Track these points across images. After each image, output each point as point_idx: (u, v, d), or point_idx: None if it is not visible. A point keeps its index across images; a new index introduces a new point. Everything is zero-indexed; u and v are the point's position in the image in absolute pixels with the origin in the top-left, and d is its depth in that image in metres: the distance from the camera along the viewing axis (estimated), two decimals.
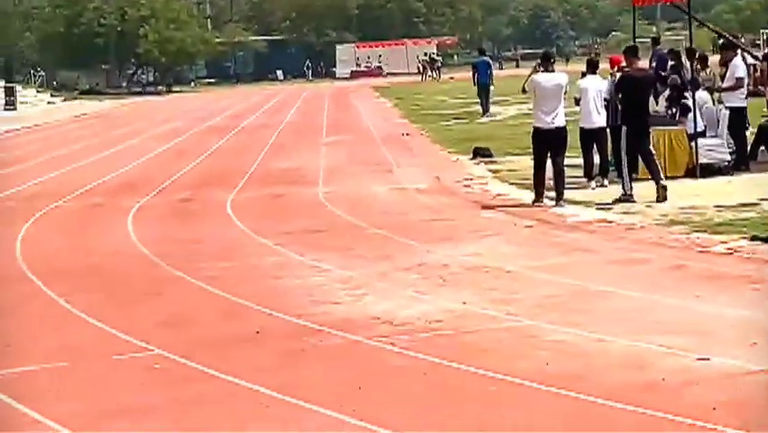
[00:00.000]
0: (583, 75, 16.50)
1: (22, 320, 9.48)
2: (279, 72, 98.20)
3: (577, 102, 16.33)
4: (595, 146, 16.23)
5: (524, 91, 15.39)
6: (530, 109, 33.34)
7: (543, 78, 14.87)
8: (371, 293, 9.79)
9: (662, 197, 14.14)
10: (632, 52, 15.53)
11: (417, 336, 8.12)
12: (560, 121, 14.72)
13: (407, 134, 28.66)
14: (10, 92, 64.56)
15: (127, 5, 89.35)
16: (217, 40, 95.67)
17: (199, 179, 20.52)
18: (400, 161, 21.98)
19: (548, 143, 14.75)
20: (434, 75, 78.36)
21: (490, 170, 19.21)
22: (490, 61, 37.56)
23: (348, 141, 27.91)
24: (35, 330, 9.03)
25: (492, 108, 34.85)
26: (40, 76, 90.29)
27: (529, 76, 15.17)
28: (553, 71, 14.96)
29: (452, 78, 74.94)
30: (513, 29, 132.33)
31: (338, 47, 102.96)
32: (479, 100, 35.16)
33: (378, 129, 31.59)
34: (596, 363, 7.23)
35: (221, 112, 47.62)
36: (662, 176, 14.48)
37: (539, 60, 15.38)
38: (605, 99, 16.04)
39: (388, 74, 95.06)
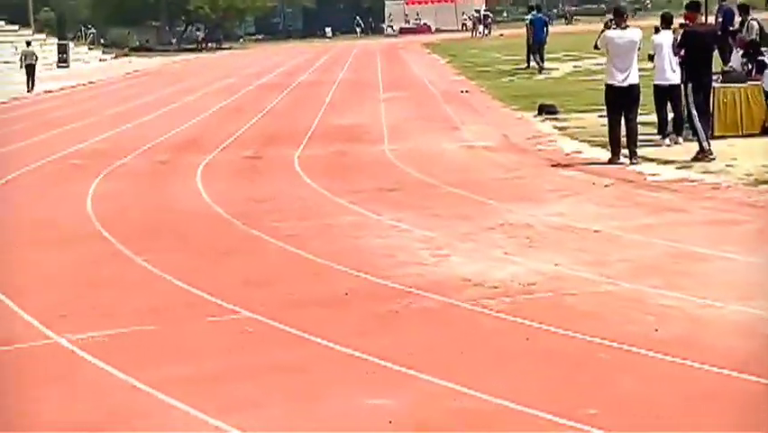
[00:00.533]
0: (656, 30, 16.06)
1: (105, 280, 9.32)
2: (328, 29, 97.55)
3: (651, 58, 15.90)
4: (669, 104, 15.82)
5: (596, 47, 15.04)
6: (586, 66, 33.65)
7: (616, 34, 14.51)
8: (456, 254, 9.56)
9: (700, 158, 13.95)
10: (694, 7, 15.26)
11: (513, 299, 7.88)
12: (633, 78, 14.38)
13: (467, 91, 28.30)
14: (63, 49, 64.66)
15: None
16: None
17: (262, 137, 20.33)
18: (464, 118, 21.65)
19: (621, 101, 14.43)
20: (485, 31, 77.60)
21: (557, 128, 18.86)
22: (546, 18, 37.04)
23: (407, 97, 27.58)
24: (119, 291, 8.87)
25: (547, 65, 34.39)
26: (90, 33, 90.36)
27: (602, 32, 14.84)
28: (626, 27, 14.58)
29: (501, 34, 74.15)
30: None
31: (387, 3, 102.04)
32: (530, 57, 34.79)
33: (435, 86, 31.23)
34: (706, 329, 6.96)
35: (273, 69, 47.36)
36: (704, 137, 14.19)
37: (611, 16, 14.99)
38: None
39: (436, 30, 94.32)
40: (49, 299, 8.68)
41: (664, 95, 15.64)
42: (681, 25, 15.75)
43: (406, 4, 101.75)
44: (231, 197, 13.52)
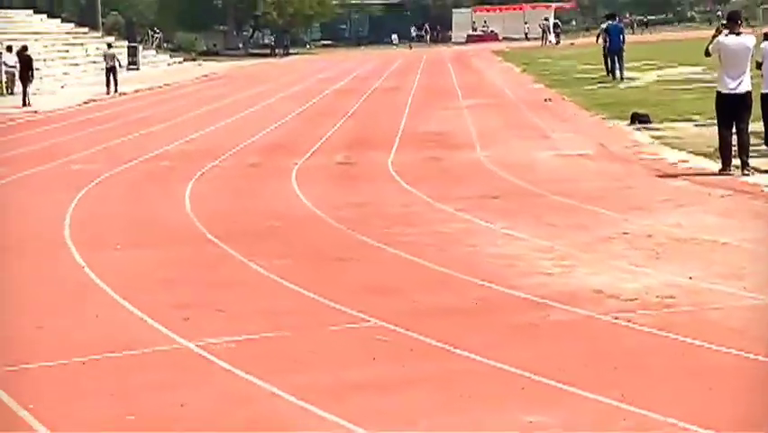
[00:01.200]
0: (766, 37, 15.60)
1: (222, 284, 9.09)
2: (395, 36, 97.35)
3: (759, 66, 15.42)
4: None
5: (707, 54, 14.56)
6: (669, 76, 33.22)
7: (729, 40, 14.08)
8: (581, 264, 9.21)
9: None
10: None
11: (655, 313, 7.52)
12: (745, 86, 13.96)
13: (550, 100, 27.91)
14: (133, 52, 65.07)
15: None
16: (334, 2, 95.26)
17: (350, 141, 20.13)
18: (553, 126, 21.29)
19: (732, 109, 14.00)
20: (555, 40, 77.15)
21: (654, 137, 18.43)
22: (622, 26, 36.64)
23: (489, 105, 27.27)
24: (239, 295, 8.63)
25: (627, 74, 33.95)
26: (157, 36, 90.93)
27: (714, 38, 14.36)
28: (739, 33, 14.15)
29: (572, 43, 73.76)
30: None
31: (455, 11, 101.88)
32: (605, 66, 34.45)
33: (515, 93, 30.89)
34: None
35: (346, 74, 47.26)
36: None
37: (723, 22, 14.56)
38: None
39: (504, 39, 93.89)
40: (168, 301, 8.45)
41: None
42: None
43: (474, 11, 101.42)
44: (330, 201, 13.27)
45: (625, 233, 10.43)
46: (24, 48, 36.95)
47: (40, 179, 16.91)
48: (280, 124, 24.26)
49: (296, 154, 18.19)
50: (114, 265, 9.94)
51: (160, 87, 43.45)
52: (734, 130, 14.03)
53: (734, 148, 14.07)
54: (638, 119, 20.54)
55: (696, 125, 19.50)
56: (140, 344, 7.30)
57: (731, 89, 13.87)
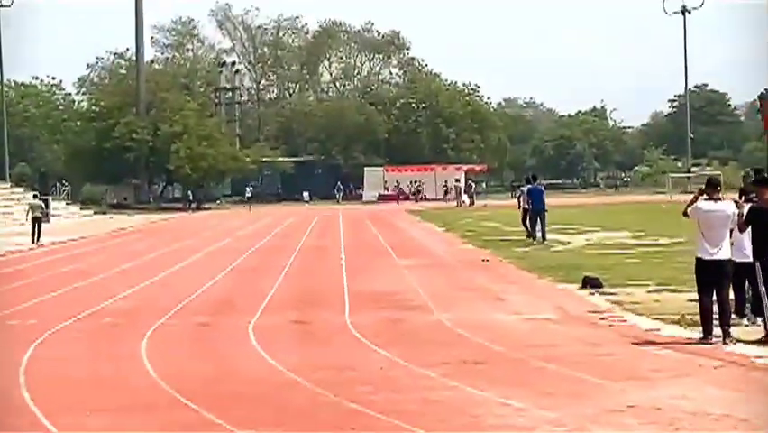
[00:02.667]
0: (736, 203, 15.42)
1: None
2: (306, 193, 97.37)
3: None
4: (747, 281, 15.07)
5: (685, 215, 14.30)
6: (599, 240, 33.31)
7: (708, 206, 13.87)
8: None
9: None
10: (764, 182, 14.31)
11: None
12: (725, 253, 13.72)
13: (487, 260, 27.61)
14: (44, 204, 63.91)
15: (159, 121, 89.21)
16: (247, 158, 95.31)
17: (296, 300, 19.49)
18: (502, 288, 20.88)
19: (712, 276, 13.71)
20: (468, 201, 77.85)
21: (612, 302, 18.07)
22: (542, 188, 36.96)
23: (426, 265, 26.85)
24: None
25: (551, 236, 34.10)
26: (65, 189, 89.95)
27: (692, 202, 14.14)
28: (718, 199, 13.96)
29: (485, 204, 74.44)
30: (537, 158, 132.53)
31: (366, 169, 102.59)
32: (526, 228, 34.57)
33: (448, 254, 30.60)
34: None
35: (267, 231, 46.79)
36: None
37: (702, 187, 14.38)
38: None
39: (416, 198, 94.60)
40: None
41: (744, 272, 14.87)
42: (747, 199, 15.10)
43: (386, 170, 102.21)
44: (300, 363, 12.60)
45: (630, 405, 9.90)
46: None
47: None
48: (217, 281, 23.52)
49: (245, 313, 17.50)
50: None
51: (75, 240, 42.40)
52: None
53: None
54: (589, 283, 20.25)
55: (648, 291, 19.23)
56: None
57: (711, 255, 13.61)
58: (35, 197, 45.71)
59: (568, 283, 21.07)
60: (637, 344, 13.75)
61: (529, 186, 36.53)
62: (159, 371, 12.23)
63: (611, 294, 19.13)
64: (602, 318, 16.19)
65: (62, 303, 19.81)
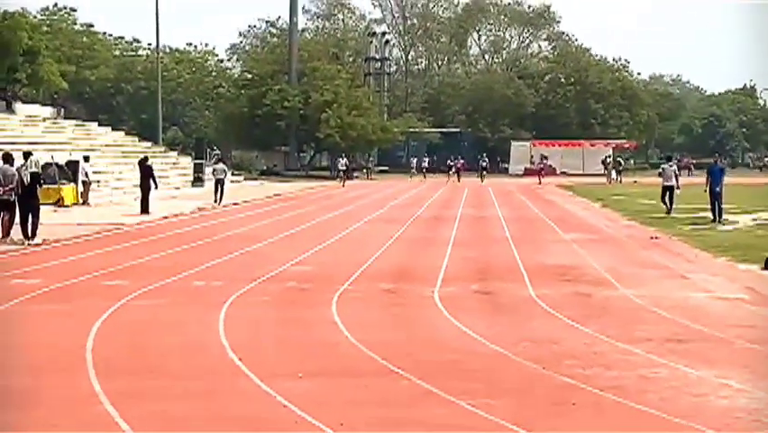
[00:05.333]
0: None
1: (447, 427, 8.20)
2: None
3: None
4: None
5: None
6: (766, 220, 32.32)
7: None
8: None
9: None
10: None
11: None
12: None
13: (657, 237, 27.01)
14: (199, 168, 65.11)
15: (310, 89, 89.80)
16: (395, 129, 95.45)
17: (475, 271, 19.30)
18: (682, 266, 20.33)
19: None
20: (617, 177, 76.65)
21: None
22: (723, 167, 36.13)
23: (594, 240, 26.41)
24: None
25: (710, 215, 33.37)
26: (215, 154, 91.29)
27: None
28: None
29: (635, 181, 73.15)
30: (685, 136, 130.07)
31: (513, 143, 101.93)
32: (710, 207, 33.67)
33: (614, 230, 30.06)
34: None
35: (421, 201, 46.82)
36: None
37: None
38: None
39: (561, 173, 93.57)
40: None
41: None
42: None
43: (533, 145, 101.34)
44: (501, 335, 12.39)
45: None
46: (145, 158, 38.40)
47: (167, 292, 16.15)
48: (387, 248, 23.52)
49: (425, 281, 17.45)
50: (310, 397, 9.07)
51: (237, 204, 42.99)
52: None
53: None
54: None
55: None
56: None
57: None
58: (217, 161, 48.40)
59: (749, 264, 20.43)
60: None
61: (713, 166, 35.59)
62: (358, 337, 12.15)
63: None
64: None
65: (240, 265, 19.97)
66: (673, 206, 36.03)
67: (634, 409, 8.85)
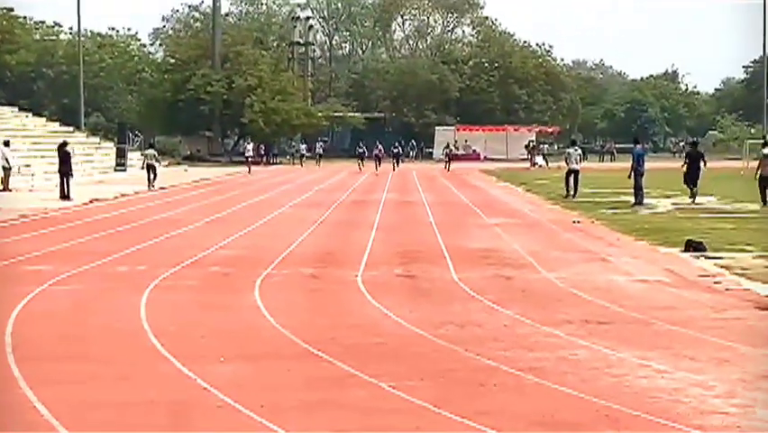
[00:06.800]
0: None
1: (367, 410, 8.20)
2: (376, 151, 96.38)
3: None
4: None
5: None
6: (686, 204, 32.78)
7: None
8: (758, 405, 8.39)
9: None
10: None
11: None
12: None
13: (578, 221, 27.27)
14: (121, 153, 64.57)
15: (234, 74, 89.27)
16: (319, 114, 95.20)
17: (397, 254, 19.35)
18: (603, 249, 20.56)
19: None
20: (542, 162, 77.21)
21: (720, 266, 17.71)
22: (643, 151, 36.73)
23: (518, 225, 26.58)
24: (398, 424, 7.74)
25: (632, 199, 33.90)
26: (137, 139, 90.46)
27: None
28: None
29: (559, 166, 73.67)
30: (608, 121, 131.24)
31: (437, 129, 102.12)
32: (634, 191, 34.09)
33: (537, 214, 30.30)
34: None
35: (345, 187, 46.85)
36: None
37: None
38: None
39: (485, 159, 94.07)
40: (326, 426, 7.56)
41: None
42: None
43: (457, 130, 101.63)
44: (423, 318, 12.43)
45: None
46: (64, 143, 38.83)
47: (90, 277, 15.98)
48: (311, 233, 23.52)
49: (349, 265, 17.46)
50: (231, 381, 9.04)
51: (165, 188, 42.64)
52: None
53: None
54: (693, 246, 19.89)
55: (754, 257, 18.85)
56: None
57: None
58: (150, 146, 48.85)
59: (669, 247, 20.71)
60: (762, 309, 13.42)
61: (637, 150, 35.91)
62: (280, 321, 12.13)
63: (716, 258, 18.76)
64: (716, 282, 15.85)
65: (164, 250, 19.83)
66: (578, 190, 37.69)
67: (554, 390, 8.91)
